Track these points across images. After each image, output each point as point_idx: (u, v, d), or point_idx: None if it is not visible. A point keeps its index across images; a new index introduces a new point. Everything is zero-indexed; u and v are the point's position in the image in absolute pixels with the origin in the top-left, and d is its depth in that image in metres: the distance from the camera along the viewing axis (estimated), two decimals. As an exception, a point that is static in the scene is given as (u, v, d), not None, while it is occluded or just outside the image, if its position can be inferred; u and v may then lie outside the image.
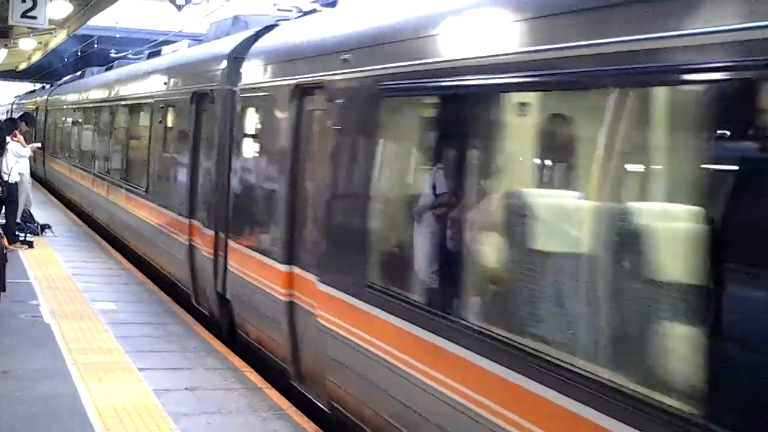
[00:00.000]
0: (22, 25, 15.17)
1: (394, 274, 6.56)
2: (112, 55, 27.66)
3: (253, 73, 9.87)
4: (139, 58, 20.58)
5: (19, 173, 15.86)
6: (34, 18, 13.51)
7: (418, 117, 6.76)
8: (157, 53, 18.03)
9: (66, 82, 30.64)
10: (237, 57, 10.46)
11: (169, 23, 28.97)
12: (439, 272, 5.95)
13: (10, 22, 14.02)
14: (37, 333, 9.83)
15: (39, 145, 20.62)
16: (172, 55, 15.95)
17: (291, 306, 8.15)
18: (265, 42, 10.15)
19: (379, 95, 6.67)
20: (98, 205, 19.15)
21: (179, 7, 14.52)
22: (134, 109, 16.40)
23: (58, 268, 14.05)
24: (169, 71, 14.29)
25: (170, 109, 13.37)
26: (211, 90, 11.07)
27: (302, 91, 8.21)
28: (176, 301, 12.17)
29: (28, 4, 13.35)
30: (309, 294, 7.69)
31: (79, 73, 28.36)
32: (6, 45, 21.49)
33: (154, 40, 27.08)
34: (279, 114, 8.75)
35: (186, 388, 8.23)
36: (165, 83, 13.97)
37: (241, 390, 8.28)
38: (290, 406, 7.89)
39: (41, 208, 20.32)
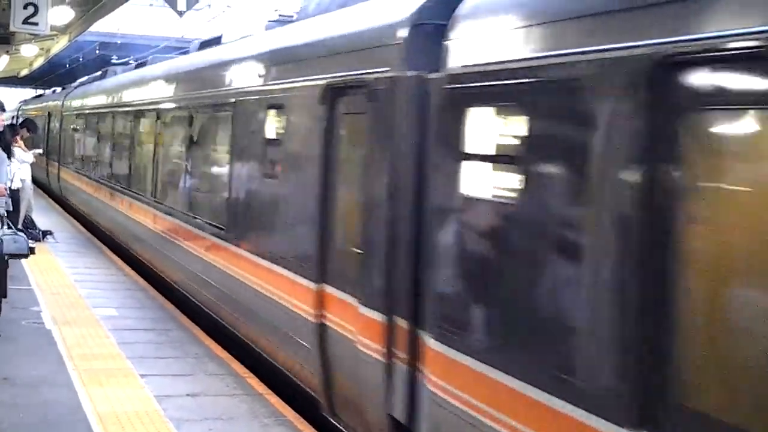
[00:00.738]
0: (24, 32, 15.18)
1: None
2: (114, 61, 27.72)
3: (490, 46, 5.41)
4: (186, 51, 16.58)
5: (21, 179, 15.90)
6: (36, 24, 13.51)
7: None
8: (215, 42, 13.43)
9: (82, 84, 26.59)
10: (425, 24, 6.36)
11: (171, 29, 29.10)
12: None
13: (12, 29, 14.03)
14: (38, 339, 9.81)
15: (40, 151, 20.63)
16: (257, 39, 10.83)
17: None
18: None
19: None
20: (137, 236, 15.06)
21: (180, 13, 14.51)
22: (197, 112, 12.11)
23: (60, 274, 14.04)
24: (265, 59, 9.61)
25: (271, 111, 9.00)
26: (374, 79, 6.68)
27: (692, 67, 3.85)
28: (281, 396, 8.38)
29: (30, 10, 13.36)
30: None
31: (99, 73, 25.10)
32: (8, 51, 21.53)
33: (155, 46, 27.20)
34: (601, 117, 4.37)
35: (187, 394, 8.21)
36: (261, 76, 9.48)
37: (242, 396, 8.26)
38: (291, 412, 7.88)
39: (43, 214, 20.34)
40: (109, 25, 27.66)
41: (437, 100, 5.89)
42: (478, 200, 5.46)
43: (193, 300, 11.47)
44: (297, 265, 7.85)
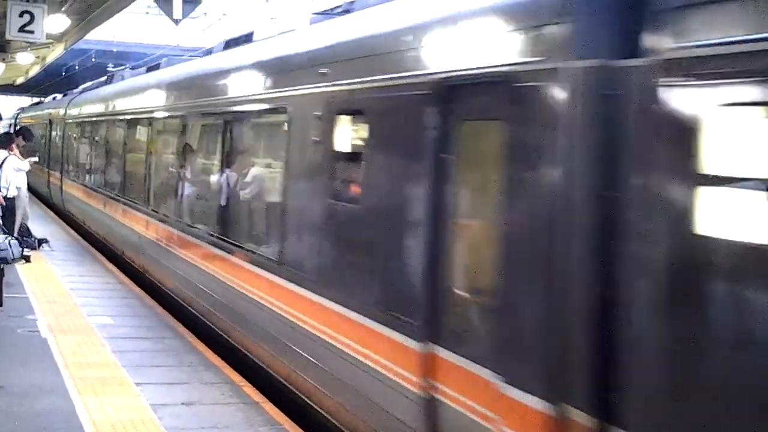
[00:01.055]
0: (20, 40, 15.22)
1: None
2: (109, 68, 27.73)
3: None
4: (209, 50, 14.71)
5: (17, 187, 15.89)
6: (32, 32, 13.56)
7: None
8: (245, 39, 11.51)
9: (86, 90, 24.96)
10: None
11: (167, 37, 29.14)
12: None
13: (8, 37, 14.08)
14: (34, 348, 9.80)
15: (36, 159, 20.61)
16: (307, 34, 9.08)
17: None
18: None
19: None
20: (156, 259, 13.33)
21: (176, 22, 14.54)
22: (234, 118, 10.24)
23: (56, 282, 14.02)
24: (333, 55, 7.79)
25: (344, 117, 7.27)
26: (519, 73, 4.94)
27: None
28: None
29: (26, 18, 13.41)
30: None
31: (104, 78, 23.70)
32: (3, 59, 21.57)
33: (151, 54, 27.24)
34: None
35: (183, 403, 8.19)
36: (325, 74, 7.54)
37: (238, 404, 8.25)
38: (287, 420, 7.87)
39: (38, 223, 20.31)
40: (105, 33, 27.72)
41: (646, 100, 4.09)
42: (743, 245, 3.65)
43: (239, 347, 9.62)
44: (389, 316, 6.09)
